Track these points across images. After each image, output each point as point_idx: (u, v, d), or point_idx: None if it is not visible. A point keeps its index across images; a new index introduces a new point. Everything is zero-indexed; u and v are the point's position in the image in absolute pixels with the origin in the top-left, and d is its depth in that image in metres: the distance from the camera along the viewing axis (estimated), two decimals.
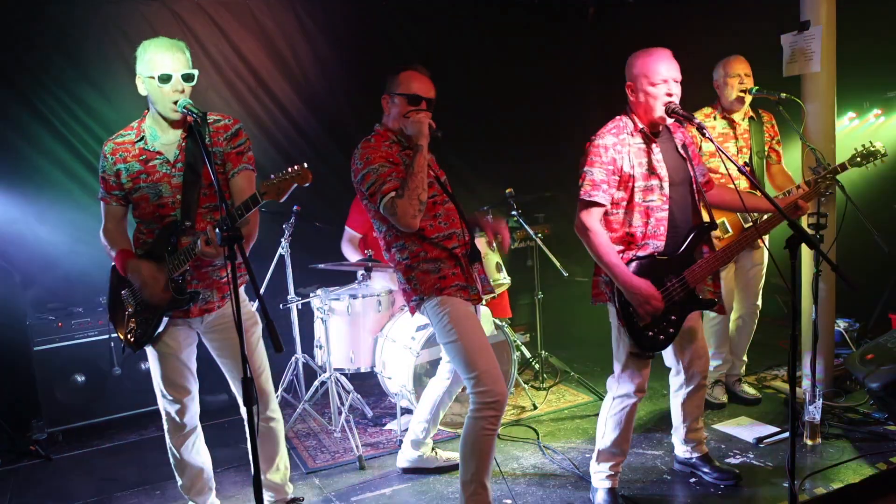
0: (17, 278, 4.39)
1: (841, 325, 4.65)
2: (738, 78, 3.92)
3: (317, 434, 4.22)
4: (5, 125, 4.37)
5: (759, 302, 4.25)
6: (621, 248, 2.96)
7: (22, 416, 4.32)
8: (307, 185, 2.45)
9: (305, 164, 2.44)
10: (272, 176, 2.44)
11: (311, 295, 4.24)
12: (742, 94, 3.92)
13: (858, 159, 3.56)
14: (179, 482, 3.09)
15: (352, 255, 4.60)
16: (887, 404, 3.85)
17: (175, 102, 2.64)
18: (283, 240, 4.27)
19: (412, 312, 3.03)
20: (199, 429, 3.07)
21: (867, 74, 4.60)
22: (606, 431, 3.14)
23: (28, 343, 4.24)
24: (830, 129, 4.02)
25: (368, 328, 4.25)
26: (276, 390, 4.22)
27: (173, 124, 2.75)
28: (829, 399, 4.07)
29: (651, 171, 2.92)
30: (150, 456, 4.07)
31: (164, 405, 2.98)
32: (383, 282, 4.46)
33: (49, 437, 4.23)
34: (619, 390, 3.08)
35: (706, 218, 3.05)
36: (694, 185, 3.01)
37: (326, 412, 4.28)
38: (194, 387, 3.01)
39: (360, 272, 4.32)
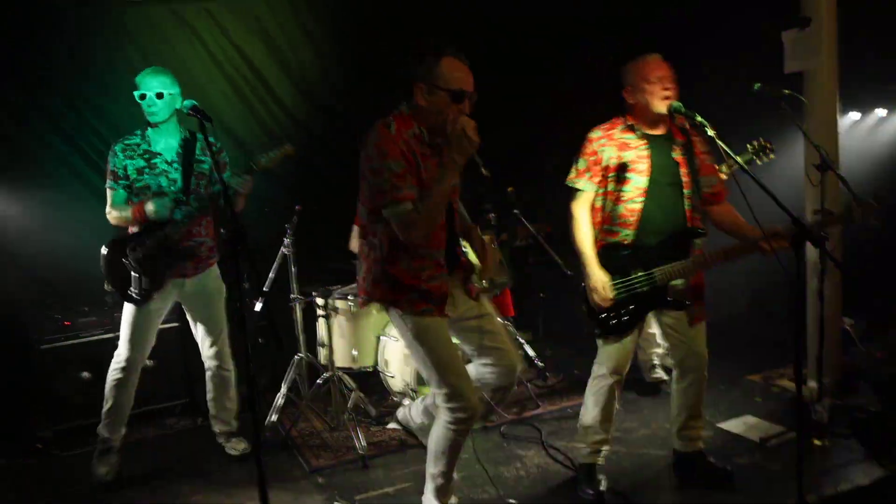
0: (23, 276, 4.42)
1: (847, 322, 4.60)
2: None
3: (320, 433, 4.22)
4: (14, 125, 4.42)
5: None
6: (598, 231, 3.21)
7: (27, 414, 4.33)
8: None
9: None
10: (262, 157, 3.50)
11: (314, 294, 4.24)
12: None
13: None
14: (106, 409, 3.67)
15: None
16: None
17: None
18: (285, 238, 4.26)
19: (360, 305, 2.92)
20: (137, 379, 3.71)
21: (870, 70, 4.55)
22: (587, 409, 3.33)
23: (34, 341, 4.25)
24: (833, 125, 4.00)
25: (371, 327, 4.25)
26: (280, 388, 4.29)
27: (168, 132, 3.60)
28: (837, 397, 4.04)
29: (630, 164, 3.10)
30: (156, 454, 4.08)
31: (126, 354, 3.63)
32: None
33: (54, 434, 4.23)
34: (597, 371, 3.29)
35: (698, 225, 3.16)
36: (685, 190, 3.11)
37: (329, 411, 4.28)
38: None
39: None
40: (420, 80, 2.59)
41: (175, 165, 3.60)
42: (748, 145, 4.25)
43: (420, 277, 2.71)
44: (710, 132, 2.80)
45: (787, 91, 3.72)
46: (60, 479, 3.75)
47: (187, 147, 3.62)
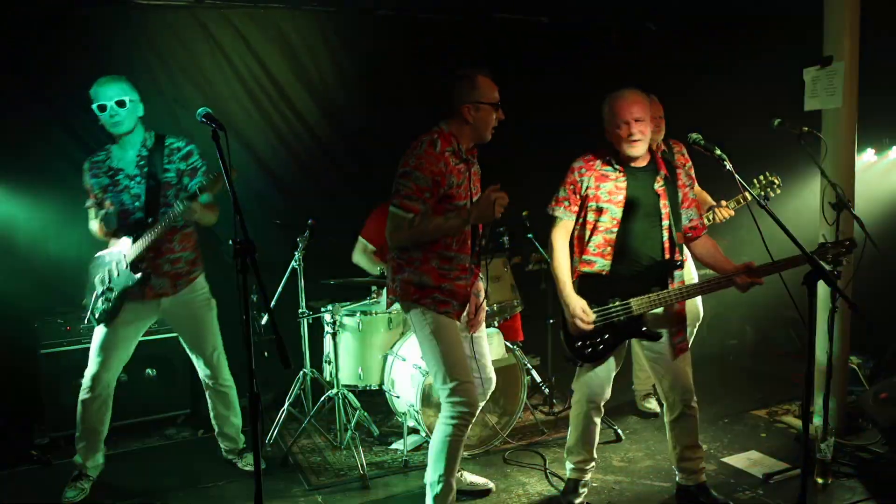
0: (29, 280, 4.38)
1: (854, 361, 4.59)
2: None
3: (321, 450, 4.18)
4: (29, 130, 4.38)
5: None
6: (577, 261, 3.24)
7: (25, 420, 4.29)
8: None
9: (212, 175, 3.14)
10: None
11: (322, 310, 4.21)
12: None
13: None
14: (77, 434, 3.56)
15: (365, 265, 4.58)
16: None
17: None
18: (296, 252, 4.23)
19: (388, 306, 3.23)
20: (110, 399, 3.59)
21: (888, 110, 4.56)
22: (572, 429, 3.45)
23: (35, 345, 4.21)
24: (850, 164, 4.00)
25: (378, 345, 4.22)
26: (283, 404, 4.25)
27: (129, 144, 3.44)
28: (841, 437, 4.02)
29: (607, 195, 3.13)
30: (153, 465, 4.03)
31: (91, 371, 3.50)
32: None
33: (51, 441, 4.19)
34: (573, 397, 3.40)
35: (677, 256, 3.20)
36: (664, 222, 3.14)
37: (332, 428, 4.24)
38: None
39: (373, 288, 4.30)
40: (467, 102, 2.95)
41: (138, 179, 3.43)
42: (755, 180, 4.25)
43: (448, 276, 3.01)
44: (729, 166, 2.81)
45: (806, 129, 3.73)
46: (55, 487, 3.68)
47: (152, 156, 3.43)
